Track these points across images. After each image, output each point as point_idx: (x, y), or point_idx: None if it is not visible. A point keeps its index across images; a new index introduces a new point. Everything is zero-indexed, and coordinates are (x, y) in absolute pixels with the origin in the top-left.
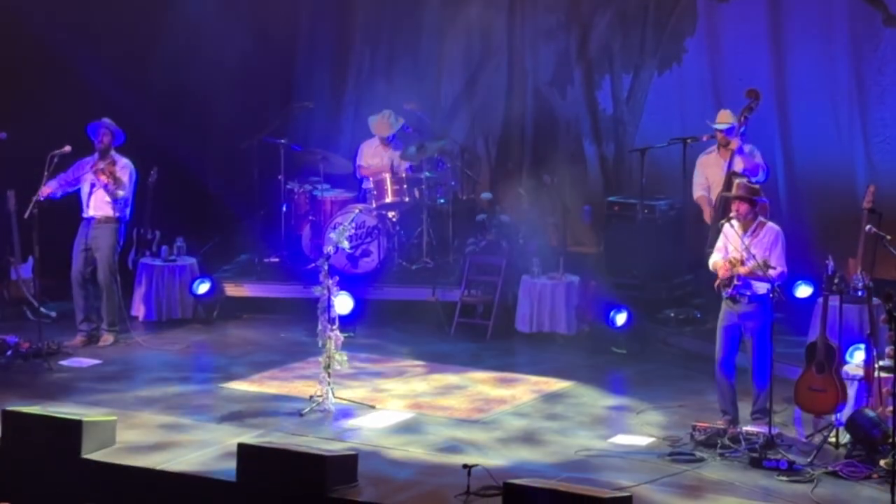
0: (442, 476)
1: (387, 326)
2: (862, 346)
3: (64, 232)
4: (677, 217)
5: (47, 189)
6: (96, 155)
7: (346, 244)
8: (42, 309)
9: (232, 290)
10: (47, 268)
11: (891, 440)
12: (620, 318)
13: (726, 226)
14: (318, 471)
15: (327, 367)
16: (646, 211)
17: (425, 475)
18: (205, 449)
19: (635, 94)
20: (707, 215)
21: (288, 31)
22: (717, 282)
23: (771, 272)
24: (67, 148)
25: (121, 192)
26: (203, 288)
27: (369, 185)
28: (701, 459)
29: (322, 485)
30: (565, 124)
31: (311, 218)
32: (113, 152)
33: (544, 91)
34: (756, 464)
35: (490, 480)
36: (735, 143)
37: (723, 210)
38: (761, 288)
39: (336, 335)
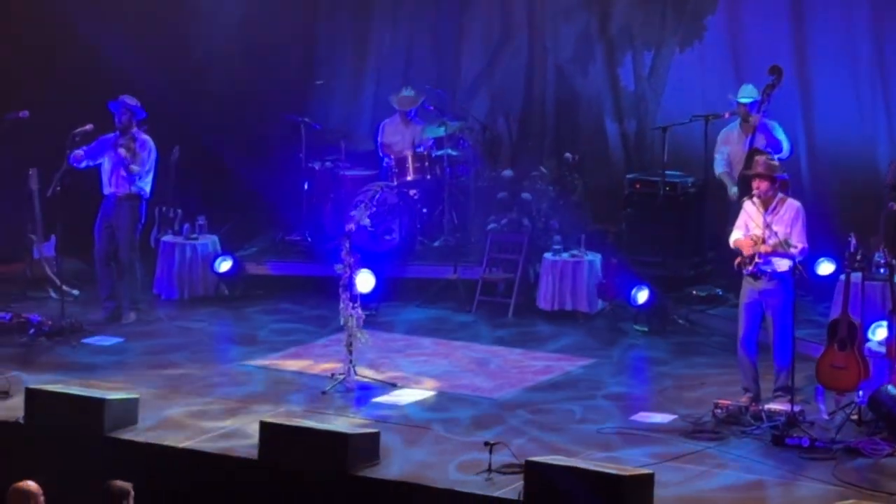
0: (464, 454)
1: (408, 304)
2: (884, 323)
3: (86, 211)
4: (699, 194)
5: (79, 153)
6: (117, 132)
7: (367, 222)
8: (64, 287)
9: (253, 268)
10: (70, 246)
11: None
12: (642, 296)
13: (747, 203)
14: (340, 449)
15: (349, 345)
16: (667, 188)
17: (447, 453)
18: (227, 427)
19: (657, 72)
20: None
21: (308, 9)
22: (739, 260)
23: (792, 249)
24: (89, 126)
25: (135, 168)
26: (225, 266)
27: (391, 162)
28: (723, 437)
29: (344, 462)
30: (586, 102)
31: (332, 196)
32: (134, 129)
33: (565, 68)
34: (778, 441)
35: (512, 458)
36: (757, 119)
37: (744, 188)
38: (783, 265)
39: (358, 313)
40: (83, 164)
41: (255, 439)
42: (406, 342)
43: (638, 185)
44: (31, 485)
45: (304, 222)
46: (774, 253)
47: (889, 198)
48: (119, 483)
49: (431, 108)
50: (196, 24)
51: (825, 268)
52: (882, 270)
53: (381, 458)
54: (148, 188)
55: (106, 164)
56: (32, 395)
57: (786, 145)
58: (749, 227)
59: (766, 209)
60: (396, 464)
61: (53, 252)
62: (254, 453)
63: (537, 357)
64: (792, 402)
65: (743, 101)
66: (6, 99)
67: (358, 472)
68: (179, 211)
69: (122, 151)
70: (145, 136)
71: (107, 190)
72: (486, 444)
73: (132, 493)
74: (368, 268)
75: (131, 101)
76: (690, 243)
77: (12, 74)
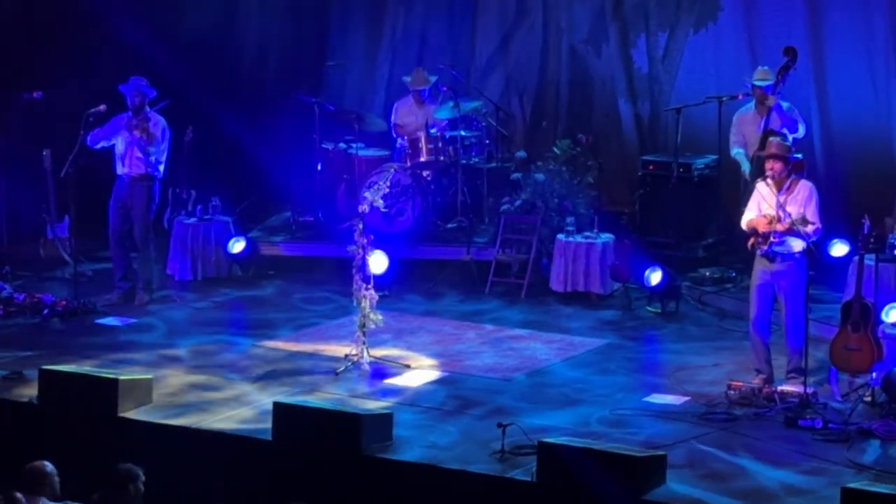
0: (476, 435)
1: (421, 285)
2: None
3: (100, 191)
4: (712, 176)
5: (98, 132)
6: (130, 112)
7: (380, 203)
8: (78, 268)
9: (267, 248)
10: (83, 227)
11: None
12: (655, 277)
13: (760, 184)
14: (353, 429)
15: (362, 325)
16: (681, 170)
17: (460, 434)
18: (240, 408)
19: (671, 53)
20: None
21: None
22: (752, 240)
23: (808, 227)
24: (103, 107)
25: (152, 149)
26: (238, 247)
27: (404, 143)
28: (735, 418)
29: (358, 443)
30: (600, 83)
31: (345, 177)
32: (147, 109)
33: (579, 49)
34: (791, 423)
35: (524, 439)
36: (772, 101)
37: (758, 169)
38: (796, 246)
39: (371, 294)
40: (100, 145)
41: (269, 420)
42: (419, 323)
43: (651, 167)
44: (45, 465)
45: (318, 203)
46: (789, 232)
47: None
48: (128, 466)
49: (445, 88)
50: (209, 4)
51: (839, 249)
52: None
53: (394, 439)
54: (162, 168)
55: (119, 144)
56: (46, 376)
57: (801, 126)
58: (762, 208)
59: (779, 190)
60: (409, 445)
61: (67, 232)
62: (267, 434)
63: (550, 338)
64: (805, 383)
65: (758, 83)
66: (20, 79)
67: (371, 453)
68: (193, 192)
69: (137, 133)
70: (159, 116)
71: (120, 170)
72: (499, 425)
73: (142, 476)
74: (382, 249)
75: (141, 81)
76: (704, 225)
77: (26, 55)
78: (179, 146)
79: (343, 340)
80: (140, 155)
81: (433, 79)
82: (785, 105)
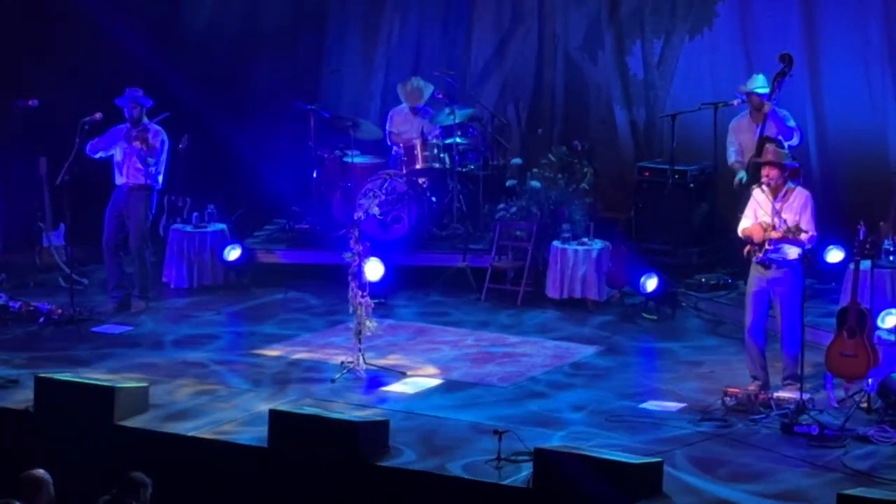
0: (473, 442)
1: (417, 292)
2: (893, 310)
3: (96, 199)
4: (708, 182)
5: (97, 142)
6: (129, 124)
7: (376, 210)
8: (74, 276)
9: (263, 256)
10: (79, 235)
11: None
12: (651, 284)
13: (756, 191)
14: (349, 437)
15: (358, 333)
16: (676, 176)
17: (456, 441)
18: (236, 415)
19: (666, 59)
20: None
21: None
22: (748, 248)
23: (803, 236)
24: (98, 115)
25: (152, 160)
26: (234, 254)
27: (399, 151)
28: (732, 425)
29: (354, 451)
30: (596, 89)
31: (341, 184)
32: (145, 120)
33: (575, 56)
34: (787, 429)
35: (521, 446)
36: (768, 107)
37: (753, 176)
38: (792, 253)
39: (367, 301)
40: (98, 155)
41: (265, 428)
42: (415, 330)
43: (647, 173)
44: (41, 473)
45: (313, 210)
46: (784, 240)
47: None
48: (138, 474)
49: (440, 95)
50: (205, 11)
51: (834, 255)
52: (891, 258)
53: (390, 447)
54: (161, 179)
55: (117, 154)
56: (42, 384)
57: (795, 134)
58: (758, 215)
59: (775, 197)
60: (406, 452)
61: (62, 240)
62: (263, 442)
63: (546, 345)
64: (801, 390)
65: (759, 90)
66: (16, 87)
67: (367, 461)
68: (188, 199)
69: (137, 144)
70: (157, 127)
71: (119, 180)
72: (496, 431)
73: (149, 485)
74: (377, 256)
75: (137, 92)
76: (699, 231)
77: (22, 62)
78: (175, 154)
79: (339, 348)
80: (139, 166)
81: (428, 90)
82: (780, 112)
